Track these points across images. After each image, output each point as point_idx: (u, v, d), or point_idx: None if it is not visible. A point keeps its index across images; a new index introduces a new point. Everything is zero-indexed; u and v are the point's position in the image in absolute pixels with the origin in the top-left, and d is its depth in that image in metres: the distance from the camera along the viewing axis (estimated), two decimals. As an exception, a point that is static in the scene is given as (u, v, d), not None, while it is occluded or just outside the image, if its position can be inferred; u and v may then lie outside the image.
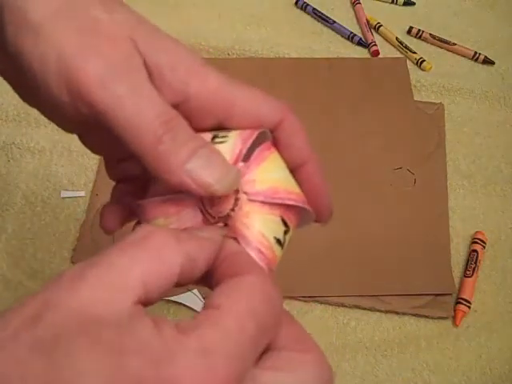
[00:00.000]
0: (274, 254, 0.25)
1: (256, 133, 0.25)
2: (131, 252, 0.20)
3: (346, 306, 0.52)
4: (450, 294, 0.52)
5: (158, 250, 0.21)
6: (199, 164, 0.23)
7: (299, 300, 0.52)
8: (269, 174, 0.25)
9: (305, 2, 0.72)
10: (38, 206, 0.56)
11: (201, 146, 0.24)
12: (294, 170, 0.27)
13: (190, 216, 0.25)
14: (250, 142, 0.25)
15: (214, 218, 0.25)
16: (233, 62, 0.66)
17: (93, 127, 0.25)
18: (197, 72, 0.25)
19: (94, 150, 0.30)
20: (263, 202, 0.25)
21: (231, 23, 0.71)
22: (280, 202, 0.25)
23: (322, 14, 0.71)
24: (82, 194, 0.56)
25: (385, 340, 0.51)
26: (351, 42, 0.70)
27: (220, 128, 0.26)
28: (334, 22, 0.70)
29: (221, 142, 0.25)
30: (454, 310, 0.52)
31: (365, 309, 0.52)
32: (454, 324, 0.51)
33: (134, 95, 0.23)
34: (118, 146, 0.25)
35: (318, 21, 0.71)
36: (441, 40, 0.69)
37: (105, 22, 0.23)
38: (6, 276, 0.52)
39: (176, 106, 0.24)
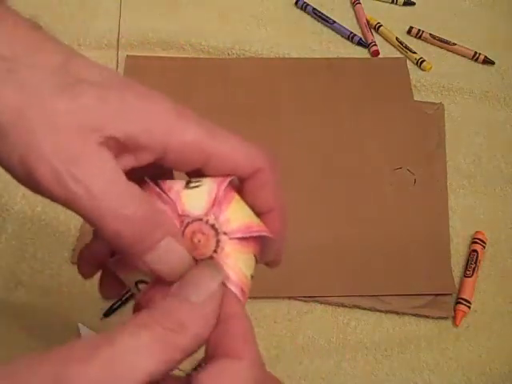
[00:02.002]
0: (249, 288, 0.27)
1: (228, 179, 0.27)
2: (140, 339, 0.22)
3: (346, 306, 0.52)
4: (450, 294, 0.52)
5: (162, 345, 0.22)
6: (156, 257, 0.25)
7: (299, 300, 0.52)
8: (239, 213, 0.27)
9: (305, 2, 0.72)
10: (38, 206, 0.56)
11: (159, 238, 0.25)
12: (258, 215, 0.28)
13: None
14: (224, 187, 0.26)
15: (196, 261, 0.26)
16: (233, 62, 0.66)
17: None
18: (174, 128, 0.26)
19: None
20: (240, 239, 0.26)
21: (231, 23, 0.71)
22: (256, 234, 0.26)
23: (322, 14, 0.71)
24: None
25: (385, 340, 0.51)
26: (351, 42, 0.70)
27: (198, 172, 0.27)
28: (334, 22, 0.70)
29: (196, 187, 0.27)
30: (454, 310, 0.52)
31: (365, 309, 0.52)
32: (454, 324, 0.51)
33: (93, 192, 0.23)
34: None
35: (318, 21, 0.71)
36: (441, 40, 0.69)
37: (64, 114, 0.24)
38: (6, 276, 0.52)
39: (157, 161, 0.26)
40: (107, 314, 0.50)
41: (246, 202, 0.28)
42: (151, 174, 0.28)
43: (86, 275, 0.31)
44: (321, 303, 0.52)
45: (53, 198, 0.24)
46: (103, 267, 0.30)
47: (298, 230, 0.54)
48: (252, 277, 0.27)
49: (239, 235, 0.26)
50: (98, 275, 0.31)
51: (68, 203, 0.24)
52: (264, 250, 0.28)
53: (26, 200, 0.56)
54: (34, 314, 0.50)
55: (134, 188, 0.24)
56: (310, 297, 0.52)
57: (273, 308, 0.52)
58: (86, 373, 0.20)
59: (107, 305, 0.50)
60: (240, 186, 0.28)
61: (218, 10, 0.72)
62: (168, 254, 0.25)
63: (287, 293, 0.52)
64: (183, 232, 0.26)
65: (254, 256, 0.27)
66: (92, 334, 0.49)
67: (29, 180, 0.24)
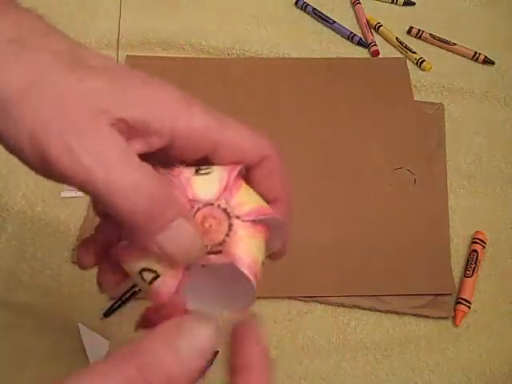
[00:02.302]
0: (260, 271, 0.26)
1: (239, 167, 0.27)
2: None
3: (346, 306, 0.52)
4: (450, 294, 0.52)
5: None
6: (168, 237, 0.24)
7: (299, 300, 0.52)
8: (249, 198, 0.27)
9: (305, 2, 0.72)
10: (38, 206, 0.56)
11: (172, 218, 0.24)
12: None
13: None
14: (234, 174, 0.26)
15: (206, 246, 0.25)
16: (233, 62, 0.66)
17: None
18: (182, 115, 0.26)
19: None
20: (253, 222, 0.26)
21: (231, 23, 0.71)
22: (269, 216, 0.26)
23: (322, 14, 0.71)
24: (82, 193, 0.56)
25: (385, 340, 0.51)
26: (351, 42, 0.70)
27: (205, 160, 0.27)
28: (334, 22, 0.70)
29: (206, 174, 0.26)
30: (454, 310, 0.52)
31: (365, 309, 0.52)
32: (454, 324, 0.51)
33: (106, 166, 0.23)
34: None
35: (318, 21, 0.71)
36: (441, 40, 0.69)
37: (75, 93, 0.23)
38: (6, 276, 0.52)
39: (164, 148, 0.26)
40: (107, 314, 0.50)
41: (256, 188, 0.28)
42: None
43: (86, 265, 0.30)
44: (321, 303, 0.52)
45: (65, 176, 0.23)
46: (104, 259, 0.29)
47: (298, 230, 0.54)
48: (263, 263, 0.27)
49: (252, 218, 0.26)
50: (95, 270, 0.31)
51: (80, 180, 0.23)
52: (272, 237, 0.28)
53: (25, 200, 0.56)
54: (34, 314, 0.50)
55: (147, 167, 0.24)
56: (309, 297, 0.52)
57: (273, 308, 0.52)
58: None
59: (107, 305, 0.50)
60: (246, 174, 0.28)
61: (218, 10, 0.72)
62: (180, 235, 0.25)
63: (287, 293, 0.52)
64: (193, 217, 0.25)
65: (266, 243, 0.27)
66: (92, 334, 0.49)
67: (39, 158, 0.23)
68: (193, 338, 0.23)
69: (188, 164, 0.27)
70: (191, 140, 0.26)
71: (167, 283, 0.25)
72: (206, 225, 0.25)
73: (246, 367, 0.25)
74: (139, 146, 0.25)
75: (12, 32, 0.23)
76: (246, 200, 0.26)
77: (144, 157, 0.25)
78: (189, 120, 0.26)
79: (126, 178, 0.23)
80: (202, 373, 0.24)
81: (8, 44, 0.23)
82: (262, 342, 0.26)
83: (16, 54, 0.23)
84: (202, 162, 0.27)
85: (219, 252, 0.25)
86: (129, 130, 0.24)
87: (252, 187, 0.28)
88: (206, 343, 0.23)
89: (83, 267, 0.30)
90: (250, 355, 0.25)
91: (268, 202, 0.28)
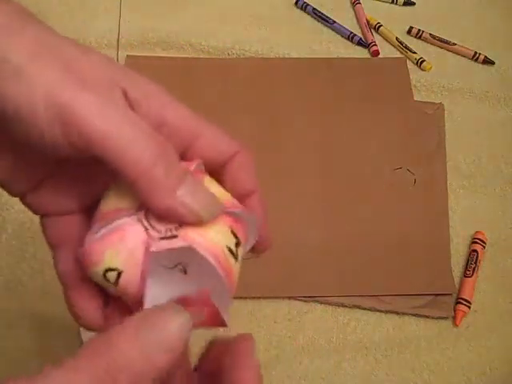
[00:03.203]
0: (230, 264, 0.25)
1: (195, 163, 0.26)
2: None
3: (346, 306, 0.52)
4: (450, 294, 0.52)
5: None
6: (188, 191, 0.24)
7: (299, 300, 0.52)
8: (211, 189, 0.26)
9: (305, 2, 0.72)
10: (38, 205, 0.56)
11: (186, 172, 0.25)
12: (238, 200, 0.28)
13: (133, 237, 0.25)
14: (193, 167, 0.26)
15: (160, 231, 0.25)
16: (233, 62, 0.66)
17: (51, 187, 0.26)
18: (169, 102, 0.26)
19: (36, 210, 0.29)
20: None
21: (231, 23, 0.71)
22: (230, 210, 0.26)
23: (322, 14, 0.71)
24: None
25: (385, 340, 0.51)
26: (351, 42, 0.70)
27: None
28: (334, 21, 0.70)
29: None
30: (454, 310, 0.52)
31: (365, 309, 0.52)
32: (454, 324, 0.51)
33: (128, 123, 0.23)
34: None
35: (318, 21, 0.71)
36: (441, 40, 0.69)
37: (83, 62, 0.24)
38: (6, 276, 0.52)
39: None
40: (107, 313, 0.50)
41: (227, 186, 0.28)
42: None
43: (95, 325, 0.28)
44: (321, 303, 0.52)
45: (85, 137, 0.23)
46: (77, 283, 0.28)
47: (298, 230, 0.55)
48: (230, 250, 0.26)
49: None
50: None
51: (101, 139, 0.23)
52: (247, 231, 0.27)
53: (26, 200, 0.56)
54: (34, 314, 0.50)
55: (156, 132, 0.25)
56: (309, 297, 0.52)
57: (273, 308, 0.52)
58: None
59: (107, 305, 0.50)
60: (221, 169, 0.28)
61: (218, 10, 0.72)
62: (198, 188, 0.25)
63: (287, 293, 0.52)
64: None
65: (231, 231, 0.26)
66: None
67: (54, 117, 0.22)
68: (159, 332, 0.22)
69: None
70: (178, 127, 0.26)
71: (132, 277, 0.25)
72: None
73: None
74: None
75: (4, 17, 0.23)
76: None
77: None
78: (175, 110, 0.26)
79: (147, 138, 0.23)
80: (176, 366, 0.23)
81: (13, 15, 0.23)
82: (257, 366, 0.25)
83: (15, 31, 0.23)
84: None
85: (174, 237, 0.25)
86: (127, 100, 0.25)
87: (227, 182, 0.28)
88: (173, 336, 0.23)
89: (94, 327, 0.28)
90: (243, 379, 0.24)
91: (243, 196, 0.28)
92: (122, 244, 0.25)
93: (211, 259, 0.24)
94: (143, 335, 0.22)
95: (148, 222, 0.25)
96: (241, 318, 0.51)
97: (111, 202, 0.26)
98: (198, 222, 0.24)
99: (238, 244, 0.26)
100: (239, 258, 0.26)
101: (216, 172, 0.28)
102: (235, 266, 0.26)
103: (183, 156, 0.27)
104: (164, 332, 0.23)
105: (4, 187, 0.27)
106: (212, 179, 0.27)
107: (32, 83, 0.22)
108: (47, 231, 0.30)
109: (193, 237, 0.25)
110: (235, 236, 0.26)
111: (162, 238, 0.25)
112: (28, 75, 0.22)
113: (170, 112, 0.26)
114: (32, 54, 0.23)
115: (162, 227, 0.25)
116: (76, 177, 0.27)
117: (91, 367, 0.21)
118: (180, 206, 0.24)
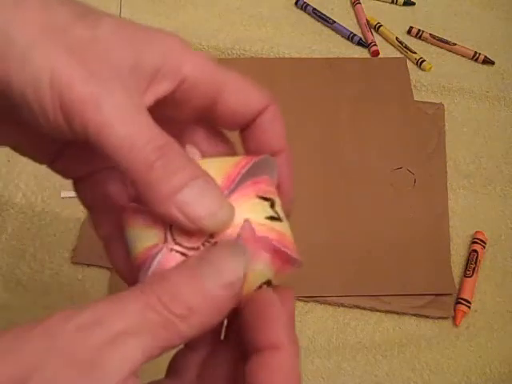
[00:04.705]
0: (278, 231, 0.24)
1: (251, 162, 0.24)
2: (137, 319, 0.20)
3: (346, 306, 0.52)
4: (450, 294, 0.52)
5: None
6: (190, 196, 0.22)
7: (299, 300, 0.52)
8: (210, 171, 0.24)
9: (305, 2, 0.72)
10: (38, 206, 0.56)
11: (195, 175, 0.23)
12: None
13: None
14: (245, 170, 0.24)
15: (197, 248, 0.23)
16: (233, 62, 0.66)
17: (78, 149, 0.25)
18: (188, 55, 0.25)
19: (66, 175, 0.30)
20: (230, 194, 0.24)
21: (231, 23, 0.71)
22: (239, 177, 0.24)
23: (322, 14, 0.71)
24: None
25: (385, 340, 0.51)
26: (351, 41, 0.70)
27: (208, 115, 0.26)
28: (334, 21, 0.70)
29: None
30: (454, 310, 0.52)
31: (365, 309, 0.52)
32: (454, 324, 0.51)
33: (128, 118, 0.22)
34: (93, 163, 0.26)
35: (318, 21, 0.71)
36: (441, 40, 0.69)
37: (89, 40, 0.23)
38: (6, 276, 0.52)
39: (172, 93, 0.24)
40: (107, 313, 0.50)
41: (259, 141, 0.26)
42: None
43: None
44: (321, 303, 0.52)
45: (82, 126, 0.22)
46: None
47: (298, 230, 0.54)
48: (272, 217, 0.24)
49: (226, 192, 0.24)
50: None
51: (98, 131, 0.22)
52: (272, 179, 0.26)
53: (26, 200, 0.56)
54: (34, 314, 0.50)
55: (158, 127, 0.23)
56: (310, 297, 0.52)
57: (273, 308, 0.52)
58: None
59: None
60: (249, 125, 0.27)
61: (218, 10, 0.72)
62: (203, 193, 0.22)
63: (287, 293, 0.52)
64: None
65: (258, 197, 0.24)
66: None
67: (57, 101, 0.22)
68: (216, 267, 0.21)
69: (191, 118, 0.26)
70: (199, 80, 0.24)
71: None
72: None
73: (274, 346, 0.23)
74: (151, 95, 0.24)
75: None
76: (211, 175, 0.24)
77: (151, 112, 0.24)
78: (195, 61, 0.25)
79: (144, 134, 0.22)
80: (231, 306, 0.22)
81: None
82: (293, 324, 0.24)
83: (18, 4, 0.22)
84: (203, 115, 0.26)
85: (214, 245, 0.23)
86: (140, 77, 0.23)
87: (257, 138, 0.26)
88: (231, 273, 0.21)
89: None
90: (278, 335, 0.23)
91: (273, 153, 0.27)
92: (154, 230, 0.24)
93: (260, 244, 0.23)
94: (200, 269, 0.21)
95: (180, 245, 0.23)
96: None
97: (138, 243, 0.24)
98: (201, 230, 0.23)
99: (272, 204, 0.25)
100: (281, 214, 0.25)
101: (245, 128, 0.27)
102: (283, 226, 0.25)
103: (211, 111, 0.26)
104: (222, 266, 0.22)
105: (29, 158, 0.28)
106: (204, 159, 0.26)
107: (37, 69, 0.22)
108: (80, 194, 0.30)
109: (231, 233, 0.23)
110: (265, 199, 0.24)
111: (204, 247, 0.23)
112: (33, 60, 0.22)
113: (187, 64, 0.24)
114: (38, 34, 0.22)
115: (195, 243, 0.23)
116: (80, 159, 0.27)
117: (144, 296, 0.20)
118: (178, 213, 0.22)
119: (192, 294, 0.21)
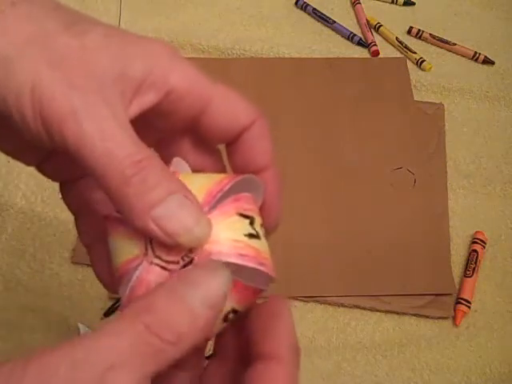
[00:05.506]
0: (255, 248, 0.24)
1: (234, 180, 0.24)
2: (124, 347, 0.20)
3: (346, 306, 0.52)
4: (450, 294, 0.52)
5: None
6: (167, 210, 0.22)
7: (299, 300, 0.52)
8: (192, 186, 0.24)
9: (305, 2, 0.72)
10: (38, 206, 0.56)
11: (173, 190, 0.22)
12: (254, 174, 0.26)
13: (157, 281, 0.23)
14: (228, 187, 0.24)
15: (177, 262, 0.23)
16: (233, 62, 0.66)
17: (61, 156, 0.25)
18: (175, 65, 0.24)
19: (53, 178, 0.30)
20: (210, 210, 0.24)
21: (231, 23, 0.71)
22: (220, 195, 0.24)
23: (322, 14, 0.71)
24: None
25: (385, 340, 0.51)
26: (351, 41, 0.70)
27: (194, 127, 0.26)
28: (334, 21, 0.70)
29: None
30: (454, 310, 0.52)
31: (365, 309, 0.52)
32: (454, 324, 0.51)
33: (107, 132, 0.22)
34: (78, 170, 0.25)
35: (318, 21, 0.71)
36: (441, 40, 0.69)
37: (75, 49, 0.23)
38: (6, 276, 0.52)
39: (159, 104, 0.24)
40: (107, 314, 0.50)
41: (244, 157, 0.26)
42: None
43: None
44: (321, 303, 0.52)
45: (62, 138, 0.22)
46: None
47: (298, 230, 0.55)
48: (250, 235, 0.24)
49: (206, 209, 0.23)
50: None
51: (76, 144, 0.22)
52: (254, 198, 0.26)
53: (25, 200, 0.56)
54: (34, 314, 0.50)
55: (141, 143, 0.23)
56: (310, 297, 0.52)
57: (273, 308, 0.52)
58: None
59: (107, 305, 0.50)
60: (236, 140, 0.26)
61: (218, 10, 0.72)
62: (180, 209, 0.22)
63: (287, 293, 0.52)
64: None
65: (239, 214, 0.24)
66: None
67: (38, 112, 0.22)
68: (200, 287, 0.21)
69: (178, 128, 0.26)
70: (185, 91, 0.24)
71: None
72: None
73: (273, 356, 0.23)
74: (136, 105, 0.24)
75: None
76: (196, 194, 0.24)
77: (137, 122, 0.24)
78: (183, 71, 0.24)
79: (123, 148, 0.22)
80: (213, 327, 0.22)
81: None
82: (294, 333, 0.24)
83: (13, 5, 0.22)
84: (190, 125, 0.26)
85: (192, 260, 0.23)
86: (125, 88, 0.23)
87: (243, 154, 0.26)
88: (215, 292, 0.22)
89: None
90: (279, 344, 0.23)
91: (259, 169, 0.26)
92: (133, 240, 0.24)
93: (235, 259, 0.23)
94: (184, 291, 0.21)
95: (159, 258, 0.23)
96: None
97: (119, 254, 0.24)
98: (179, 246, 0.23)
99: (252, 222, 0.25)
100: (260, 232, 0.25)
101: (231, 143, 0.26)
102: (261, 244, 0.25)
103: (197, 124, 0.25)
104: (205, 286, 0.22)
105: (15, 159, 0.28)
106: (186, 174, 0.25)
107: (19, 82, 0.22)
108: (66, 199, 0.30)
109: (209, 249, 0.23)
110: (245, 216, 0.24)
111: (183, 267, 0.23)
112: (15, 73, 0.22)
113: (174, 75, 0.24)
114: (22, 44, 0.22)
115: (175, 257, 0.23)
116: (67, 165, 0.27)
117: (132, 327, 0.20)
118: (155, 228, 0.22)
119: (180, 318, 0.21)
